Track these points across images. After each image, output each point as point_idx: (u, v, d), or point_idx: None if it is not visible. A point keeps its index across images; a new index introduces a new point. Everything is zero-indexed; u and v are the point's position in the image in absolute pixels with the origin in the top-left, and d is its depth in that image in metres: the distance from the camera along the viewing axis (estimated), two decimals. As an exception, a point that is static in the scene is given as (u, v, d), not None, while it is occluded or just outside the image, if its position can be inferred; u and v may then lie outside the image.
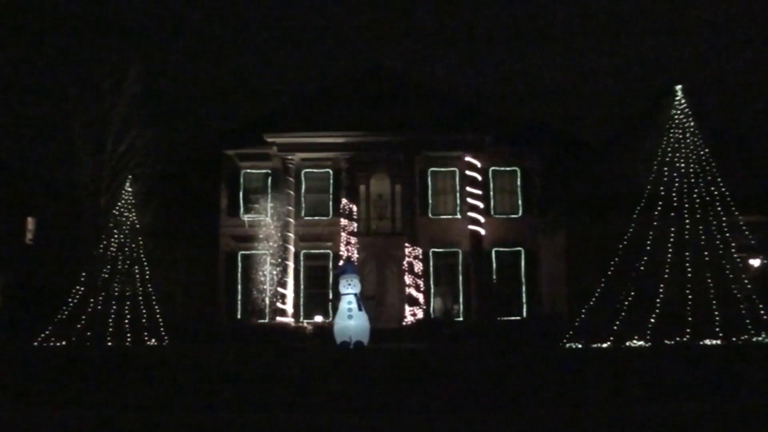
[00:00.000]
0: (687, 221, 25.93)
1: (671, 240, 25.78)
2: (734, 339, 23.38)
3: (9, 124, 31.48)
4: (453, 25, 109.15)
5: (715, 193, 26.17)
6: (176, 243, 32.90)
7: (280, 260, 31.10)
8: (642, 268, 25.37)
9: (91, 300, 27.47)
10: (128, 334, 27.42)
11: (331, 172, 32.82)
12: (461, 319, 30.99)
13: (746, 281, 25.70)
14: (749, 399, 8.41)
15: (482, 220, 31.46)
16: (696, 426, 6.63)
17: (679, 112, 27.17)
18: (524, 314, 31.76)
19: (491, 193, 32.85)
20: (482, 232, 31.29)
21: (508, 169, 33.17)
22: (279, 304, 30.69)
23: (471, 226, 31.27)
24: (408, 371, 13.52)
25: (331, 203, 32.72)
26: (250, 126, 33.51)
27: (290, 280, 31.01)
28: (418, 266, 31.00)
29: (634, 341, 23.36)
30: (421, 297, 30.74)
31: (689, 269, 25.49)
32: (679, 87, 27.51)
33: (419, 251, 31.21)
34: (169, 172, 31.62)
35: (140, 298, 27.99)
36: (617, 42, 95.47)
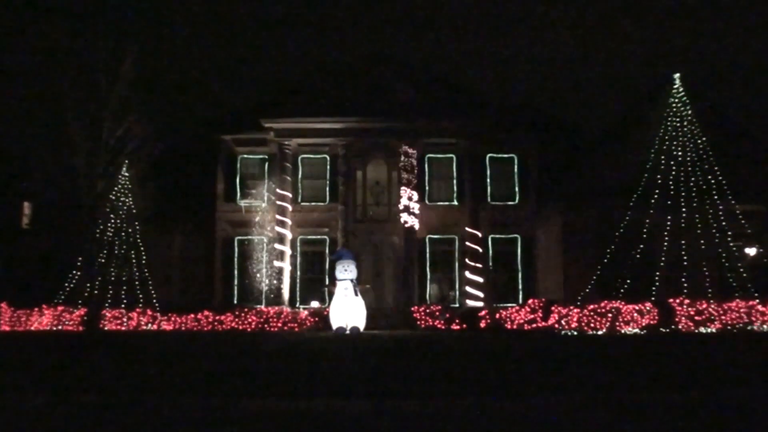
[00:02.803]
0: (683, 209, 26.01)
1: (667, 228, 25.87)
2: (730, 327, 23.52)
3: (4, 109, 31.28)
4: (451, 11, 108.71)
5: (712, 181, 26.24)
6: (172, 228, 32.95)
7: (276, 246, 31.10)
8: (638, 255, 25.48)
9: (88, 284, 27.51)
10: (124, 319, 27.51)
11: (328, 157, 32.74)
12: (457, 305, 31.07)
13: (742, 270, 25.82)
14: (746, 389, 8.43)
15: (479, 206, 31.50)
16: (692, 416, 6.65)
17: (676, 100, 27.19)
18: (520, 301, 31.87)
19: (488, 179, 32.86)
20: (479, 218, 31.32)
21: (505, 156, 33.14)
22: (275, 290, 30.71)
23: (467, 213, 31.29)
24: (404, 357, 13.56)
25: (327, 189, 32.67)
26: (247, 111, 33.40)
27: (286, 266, 31.02)
28: (415, 252, 31.05)
29: (629, 329, 23.48)
30: (417, 283, 30.81)
31: (685, 257, 25.60)
32: (677, 75, 27.52)
33: (415, 237, 31.21)
34: (166, 157, 31.56)
35: (137, 283, 28.04)
36: (616, 28, 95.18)
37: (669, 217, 25.83)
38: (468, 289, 30.59)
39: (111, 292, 28.24)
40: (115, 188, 28.82)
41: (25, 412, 7.23)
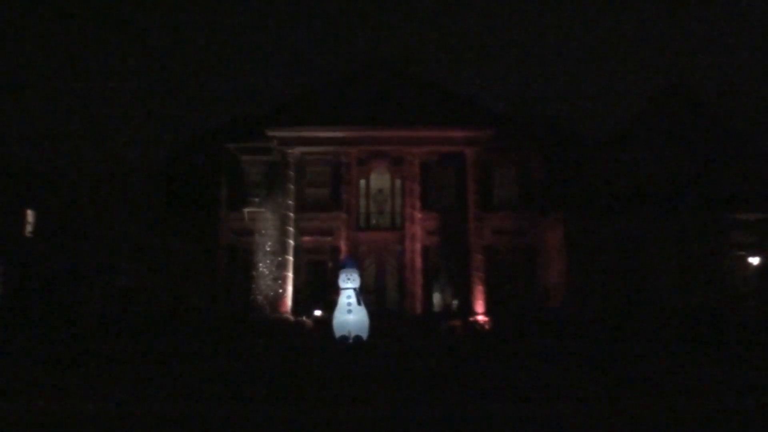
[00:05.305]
0: (686, 218, 26.00)
1: (670, 236, 25.86)
2: (732, 334, 23.46)
3: (6, 115, 31.46)
4: (453, 19, 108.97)
5: (715, 190, 26.22)
6: (176, 236, 32.97)
7: (279, 254, 31.09)
8: (641, 263, 25.46)
9: (91, 292, 27.53)
10: (127, 326, 27.50)
11: (331, 166, 32.80)
12: (460, 313, 30.99)
13: (745, 278, 25.80)
14: (746, 397, 8.42)
15: (482, 214, 31.49)
16: (693, 424, 6.66)
17: (679, 107, 27.21)
18: (522, 308, 31.78)
19: (491, 188, 32.83)
20: (482, 226, 31.31)
21: (508, 164, 33.13)
22: (278, 298, 30.68)
23: (471, 221, 31.28)
24: (408, 365, 13.56)
25: (331, 197, 32.72)
26: (251, 120, 33.50)
27: (290, 274, 31.01)
28: (418, 261, 31.06)
29: (632, 335, 23.43)
30: (420, 292, 30.81)
31: (688, 265, 25.58)
32: (679, 83, 27.55)
33: (418, 246, 31.27)
34: (170, 165, 31.63)
35: (139, 290, 28.04)
36: (619, 36, 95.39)
37: (671, 225, 25.81)
38: (471, 296, 30.55)
39: (114, 299, 28.26)
40: (119, 195, 28.84)
41: (26, 416, 7.25)
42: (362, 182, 32.89)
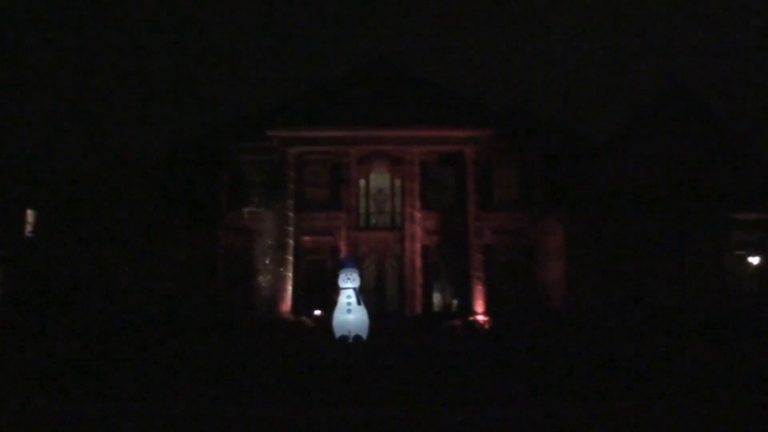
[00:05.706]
0: (686, 218, 25.98)
1: (670, 236, 25.85)
2: (731, 335, 23.46)
3: (9, 116, 31.55)
4: (453, 19, 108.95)
5: (715, 190, 26.21)
6: (176, 236, 32.95)
7: (279, 253, 31.09)
8: (641, 263, 25.46)
9: (90, 293, 27.51)
10: (127, 328, 27.48)
11: (331, 166, 32.78)
12: (459, 312, 30.98)
13: (745, 278, 25.80)
14: (740, 397, 8.43)
15: (482, 214, 31.47)
16: (693, 424, 6.67)
17: (679, 108, 27.19)
18: (523, 309, 31.78)
19: (491, 187, 32.81)
20: (482, 226, 31.30)
21: (508, 164, 33.12)
22: (278, 298, 30.68)
23: (471, 221, 31.28)
24: (407, 365, 13.57)
25: (331, 197, 32.69)
26: (250, 120, 33.50)
27: (290, 274, 31.00)
28: (418, 261, 31.05)
29: (632, 334, 23.43)
30: (420, 291, 30.79)
31: (688, 265, 25.57)
32: (679, 83, 27.54)
33: (418, 245, 31.26)
34: (169, 165, 31.59)
35: (139, 291, 28.02)
36: (619, 37, 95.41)
37: (671, 225, 25.80)
38: (470, 296, 30.55)
39: (114, 300, 28.24)
40: (119, 196, 28.84)
41: (28, 418, 7.25)
42: (362, 182, 32.88)
